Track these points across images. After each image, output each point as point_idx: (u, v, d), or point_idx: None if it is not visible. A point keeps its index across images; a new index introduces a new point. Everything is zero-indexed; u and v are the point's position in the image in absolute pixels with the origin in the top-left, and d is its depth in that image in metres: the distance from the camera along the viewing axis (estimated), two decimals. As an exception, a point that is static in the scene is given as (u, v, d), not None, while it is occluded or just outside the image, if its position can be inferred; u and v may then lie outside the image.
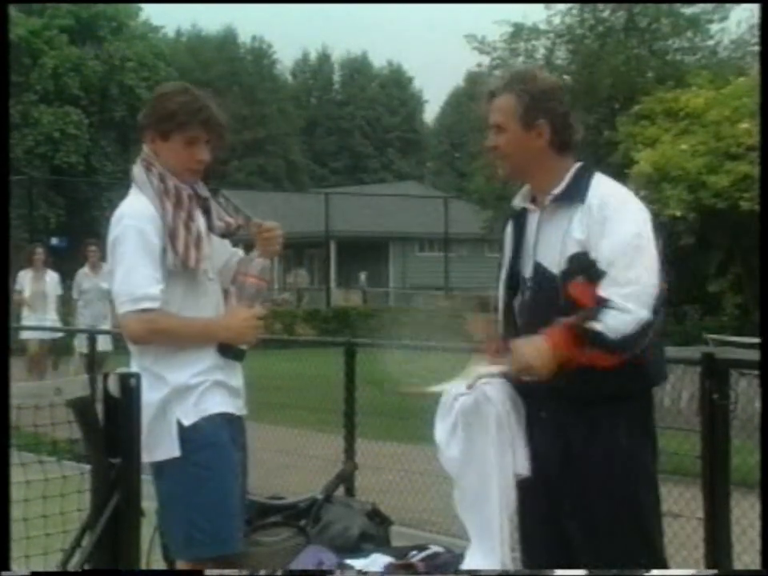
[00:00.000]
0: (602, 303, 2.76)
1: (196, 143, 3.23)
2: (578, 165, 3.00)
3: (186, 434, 3.12)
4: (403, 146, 58.48)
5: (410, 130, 59.20)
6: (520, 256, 3.02)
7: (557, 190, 2.94)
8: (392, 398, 6.23)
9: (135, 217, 3.15)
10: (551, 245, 2.91)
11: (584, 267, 2.83)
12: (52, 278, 12.94)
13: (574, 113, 3.04)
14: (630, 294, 2.76)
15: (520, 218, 3.06)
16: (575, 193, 2.92)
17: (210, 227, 3.29)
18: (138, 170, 3.25)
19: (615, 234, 2.81)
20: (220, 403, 3.19)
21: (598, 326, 2.75)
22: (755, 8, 15.90)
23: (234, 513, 3.19)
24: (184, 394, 3.14)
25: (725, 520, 3.65)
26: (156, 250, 3.12)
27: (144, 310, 3.09)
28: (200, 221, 3.24)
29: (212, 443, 3.14)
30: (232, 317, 3.26)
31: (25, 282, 12.70)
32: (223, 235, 3.36)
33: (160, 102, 3.26)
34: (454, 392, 3.00)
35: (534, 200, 3.04)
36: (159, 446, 3.09)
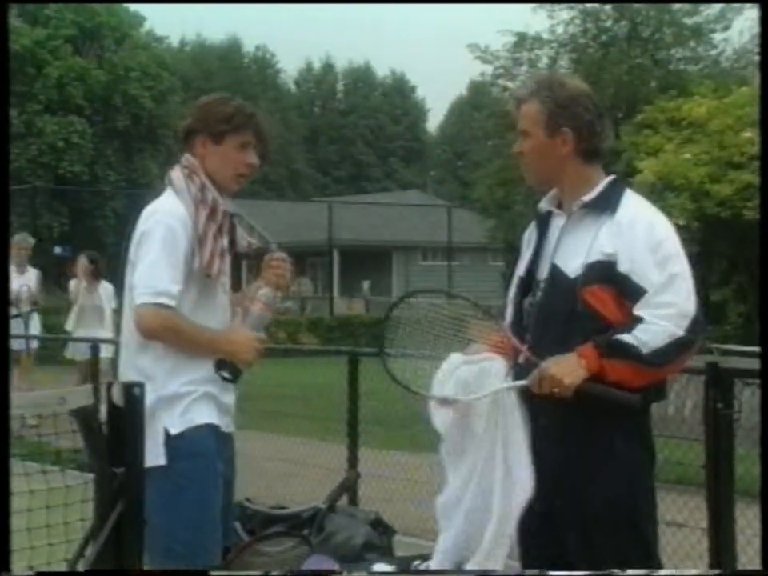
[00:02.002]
0: (635, 320, 2.78)
1: (248, 147, 3.27)
2: (612, 177, 3.01)
3: (172, 443, 3.11)
4: (406, 155, 58.54)
5: (413, 138, 59.26)
6: (538, 258, 3.01)
7: (587, 198, 2.94)
8: (395, 406, 6.23)
9: (167, 214, 3.16)
10: (573, 251, 2.91)
11: (606, 277, 2.83)
12: (106, 289, 11.03)
13: (603, 119, 3.02)
14: (665, 315, 2.78)
15: (543, 222, 3.07)
16: (606, 204, 2.92)
17: (233, 244, 3.31)
18: (176, 176, 3.24)
19: (652, 257, 2.82)
20: (207, 414, 3.17)
21: (627, 337, 2.76)
22: (757, 17, 15.92)
23: (214, 526, 3.17)
24: (172, 402, 3.13)
25: (729, 529, 3.64)
26: (181, 251, 3.13)
27: (161, 305, 3.09)
28: (225, 238, 3.26)
29: (196, 453, 3.13)
30: (236, 332, 3.26)
31: (77, 293, 11.08)
32: (242, 254, 3.39)
33: (215, 107, 3.30)
34: (455, 361, 2.97)
35: (559, 205, 3.04)
36: (145, 452, 3.08)
